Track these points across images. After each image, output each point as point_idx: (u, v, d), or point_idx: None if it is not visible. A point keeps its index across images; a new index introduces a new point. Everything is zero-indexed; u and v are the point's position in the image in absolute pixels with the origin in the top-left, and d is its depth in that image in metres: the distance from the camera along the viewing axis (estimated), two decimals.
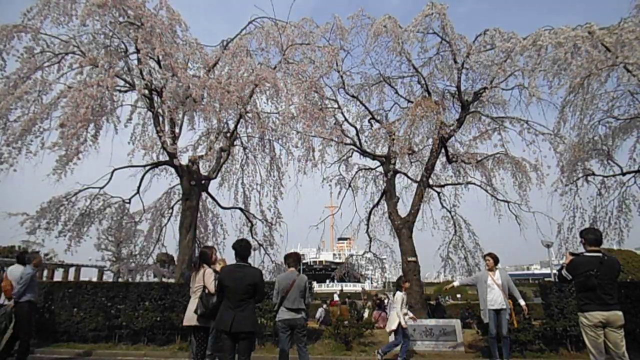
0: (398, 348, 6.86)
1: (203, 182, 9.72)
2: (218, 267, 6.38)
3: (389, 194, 10.30)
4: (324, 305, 14.64)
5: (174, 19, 8.91)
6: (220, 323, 4.15)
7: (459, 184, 11.12)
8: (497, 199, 10.64)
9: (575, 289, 4.68)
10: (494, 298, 6.63)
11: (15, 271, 6.82)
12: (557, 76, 7.05)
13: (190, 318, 4.89)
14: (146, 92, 8.19)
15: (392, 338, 7.06)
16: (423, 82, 9.81)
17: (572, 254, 5.19)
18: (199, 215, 9.96)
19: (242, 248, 4.42)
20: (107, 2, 7.13)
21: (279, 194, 10.69)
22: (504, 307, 6.61)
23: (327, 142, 9.26)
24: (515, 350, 7.08)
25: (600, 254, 4.44)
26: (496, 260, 7.03)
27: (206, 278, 4.96)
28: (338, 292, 27.61)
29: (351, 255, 14.65)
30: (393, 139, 9.27)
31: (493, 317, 6.60)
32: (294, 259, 5.59)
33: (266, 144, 10.73)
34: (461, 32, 9.27)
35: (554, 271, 6.24)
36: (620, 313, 4.30)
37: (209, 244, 11.30)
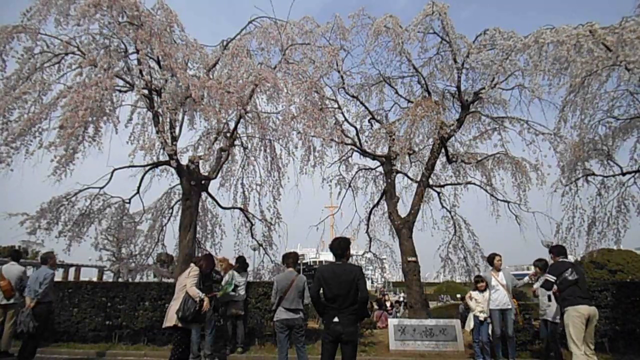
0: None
1: (203, 182, 9.71)
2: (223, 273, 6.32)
3: (389, 194, 10.29)
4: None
5: (171, 19, 8.90)
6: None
7: (458, 184, 11.11)
8: (497, 199, 10.63)
9: (560, 289, 5.10)
10: (499, 298, 6.70)
11: (11, 270, 6.75)
12: (557, 75, 7.04)
13: (170, 318, 4.79)
14: (146, 92, 8.19)
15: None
16: (423, 82, 9.80)
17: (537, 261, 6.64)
18: (198, 215, 9.96)
19: (337, 246, 4.13)
20: (101, 1, 7.12)
21: (277, 194, 10.69)
22: (509, 307, 6.68)
23: (328, 142, 9.25)
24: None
25: (569, 260, 5.37)
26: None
27: (189, 276, 4.87)
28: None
29: (351, 255, 14.63)
30: (393, 139, 9.26)
31: (498, 318, 6.66)
32: (293, 258, 5.59)
33: (266, 144, 10.73)
34: (464, 35, 9.24)
35: (545, 274, 6.47)
36: (596, 309, 4.97)
37: (208, 244, 11.31)
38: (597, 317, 4.95)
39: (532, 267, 6.94)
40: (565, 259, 5.33)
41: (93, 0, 7.07)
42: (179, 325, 4.75)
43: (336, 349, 3.89)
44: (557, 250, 5.45)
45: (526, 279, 7.20)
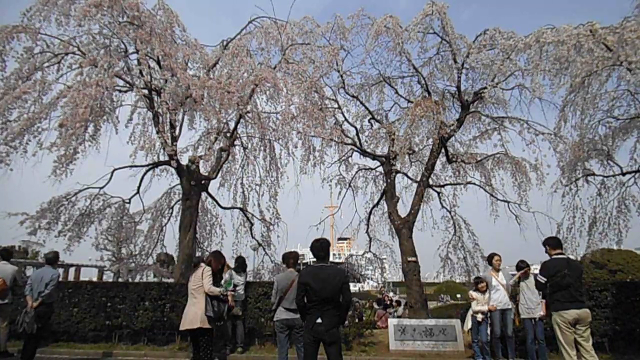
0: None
1: (203, 182, 9.71)
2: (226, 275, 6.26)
3: (389, 194, 10.29)
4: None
5: (172, 20, 8.92)
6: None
7: (458, 184, 11.10)
8: (497, 199, 10.63)
9: (549, 291, 4.89)
10: (499, 298, 6.71)
11: (5, 269, 6.60)
12: (558, 75, 7.04)
13: (191, 321, 4.72)
14: (146, 92, 8.19)
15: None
16: (423, 82, 9.80)
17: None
18: (198, 215, 9.95)
19: (320, 248, 4.12)
20: (102, 2, 7.12)
21: (274, 194, 10.69)
22: (509, 307, 6.70)
23: (327, 142, 9.24)
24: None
25: (565, 256, 4.97)
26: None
27: (204, 277, 4.86)
28: None
29: (351, 255, 14.63)
30: (393, 139, 9.25)
31: (498, 318, 6.67)
32: (293, 258, 5.57)
33: (266, 144, 10.73)
34: (464, 35, 9.24)
35: (537, 273, 6.48)
36: (588, 310, 4.69)
37: (207, 244, 11.30)
38: (589, 319, 4.66)
39: (532, 268, 6.92)
40: (561, 254, 4.93)
41: (94, 0, 7.07)
42: (205, 326, 4.72)
43: (318, 349, 3.88)
44: (554, 243, 5.02)
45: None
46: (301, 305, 3.95)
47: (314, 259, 4.24)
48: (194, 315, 4.72)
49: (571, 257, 8.18)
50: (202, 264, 5.03)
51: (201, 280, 4.84)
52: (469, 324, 6.97)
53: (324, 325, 3.75)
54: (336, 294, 3.84)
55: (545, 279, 4.83)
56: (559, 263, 4.80)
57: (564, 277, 4.64)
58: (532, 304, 6.43)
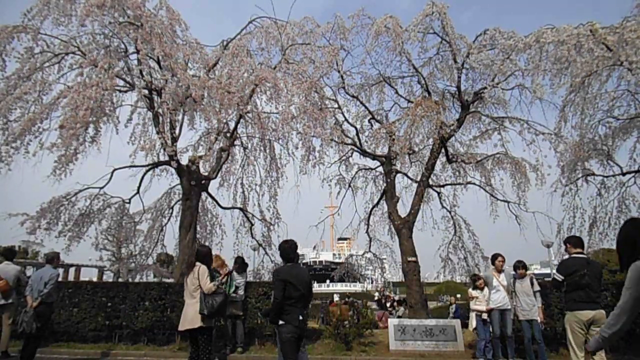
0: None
1: (203, 182, 9.71)
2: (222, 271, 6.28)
3: (389, 194, 10.29)
4: None
5: (173, 19, 8.94)
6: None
7: (458, 184, 11.10)
8: (497, 199, 10.63)
9: (566, 289, 4.81)
10: (499, 299, 6.72)
11: (7, 269, 6.61)
12: (558, 75, 7.05)
13: (191, 320, 4.71)
14: (146, 92, 8.19)
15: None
16: (423, 82, 9.80)
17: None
18: (198, 215, 9.95)
19: (289, 249, 4.33)
20: (105, 2, 7.12)
21: (274, 194, 10.69)
22: (509, 307, 6.70)
23: (327, 142, 9.25)
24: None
25: (585, 255, 4.86)
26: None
27: (200, 276, 4.87)
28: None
29: (351, 255, 14.63)
30: (393, 139, 9.25)
31: (497, 318, 6.68)
32: None
33: (266, 144, 10.73)
34: (464, 35, 9.24)
35: (554, 271, 6.46)
36: (603, 312, 4.57)
37: (208, 244, 11.30)
38: (604, 320, 4.47)
39: (532, 267, 6.93)
40: (581, 253, 4.82)
41: (97, 0, 7.07)
42: (204, 325, 4.72)
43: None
44: (574, 241, 4.91)
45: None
46: (280, 302, 4.03)
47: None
48: (194, 315, 4.72)
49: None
50: (198, 264, 5.03)
51: (198, 280, 4.84)
52: (473, 322, 6.99)
53: (304, 321, 4.03)
54: (310, 290, 4.22)
55: (562, 277, 4.76)
56: (577, 262, 4.71)
57: (582, 276, 4.56)
58: (528, 306, 6.43)
